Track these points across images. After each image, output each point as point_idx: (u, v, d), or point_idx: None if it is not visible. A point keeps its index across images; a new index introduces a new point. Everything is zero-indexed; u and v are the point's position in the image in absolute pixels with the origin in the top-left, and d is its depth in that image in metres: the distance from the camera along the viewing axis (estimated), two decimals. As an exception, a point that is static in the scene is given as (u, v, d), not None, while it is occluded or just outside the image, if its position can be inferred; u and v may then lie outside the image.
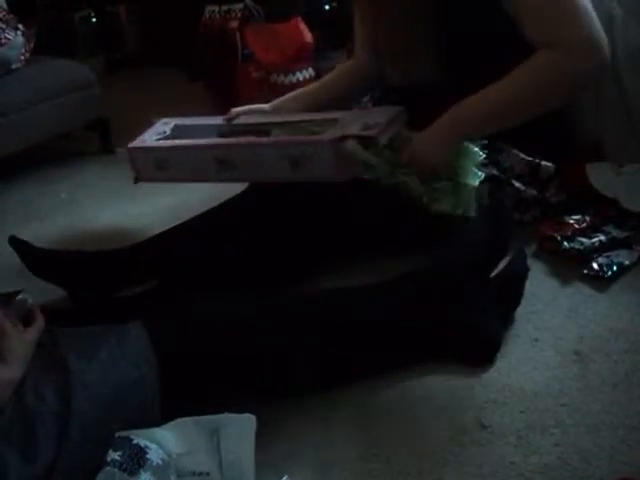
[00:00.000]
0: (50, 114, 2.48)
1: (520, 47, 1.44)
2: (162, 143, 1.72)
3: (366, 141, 1.45)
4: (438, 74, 1.59)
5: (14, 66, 2.48)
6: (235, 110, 1.77)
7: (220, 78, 2.78)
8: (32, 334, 1.12)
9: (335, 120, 1.57)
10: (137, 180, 1.78)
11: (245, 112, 1.77)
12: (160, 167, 1.69)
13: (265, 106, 1.80)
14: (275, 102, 1.82)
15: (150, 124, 1.82)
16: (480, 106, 1.46)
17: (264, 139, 1.62)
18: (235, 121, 1.76)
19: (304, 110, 1.74)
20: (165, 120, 1.84)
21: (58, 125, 2.53)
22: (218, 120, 1.80)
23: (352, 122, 1.52)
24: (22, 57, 2.52)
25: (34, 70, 2.53)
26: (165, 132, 1.77)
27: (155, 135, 1.76)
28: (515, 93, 1.44)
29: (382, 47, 1.69)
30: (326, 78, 1.94)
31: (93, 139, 2.67)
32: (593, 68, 1.43)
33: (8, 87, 2.41)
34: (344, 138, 1.46)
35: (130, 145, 1.76)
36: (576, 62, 1.41)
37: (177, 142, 1.69)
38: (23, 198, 2.35)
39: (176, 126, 1.79)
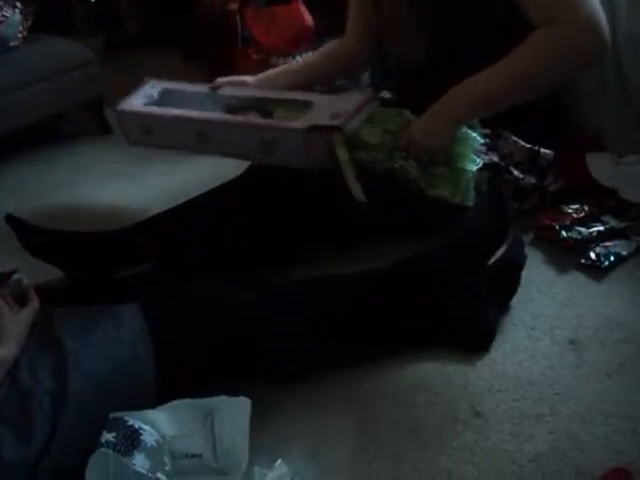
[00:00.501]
0: (48, 93, 2.45)
1: (515, 33, 1.44)
2: (148, 109, 1.77)
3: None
4: (431, 56, 1.59)
5: (11, 44, 2.45)
6: (220, 80, 1.82)
7: (219, 60, 2.76)
8: (27, 314, 1.12)
9: (310, 104, 1.62)
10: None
11: (230, 83, 1.82)
12: (146, 132, 1.75)
13: (248, 79, 1.83)
14: (259, 76, 1.85)
15: (141, 83, 1.87)
16: (479, 87, 1.46)
17: (240, 119, 1.68)
18: (221, 91, 1.80)
19: (286, 88, 1.78)
20: (153, 82, 1.88)
21: (56, 104, 2.50)
22: (204, 88, 1.84)
23: (324, 109, 1.57)
24: (20, 35, 2.48)
25: (32, 48, 2.50)
26: (152, 96, 1.81)
27: (143, 98, 1.81)
28: (515, 72, 1.44)
29: (383, 28, 1.68)
30: (311, 59, 1.94)
31: (90, 119, 2.65)
32: (593, 46, 1.43)
33: (5, 65, 2.37)
34: (313, 128, 1.49)
35: (118, 107, 1.80)
36: (575, 39, 1.41)
37: (162, 111, 1.74)
38: (19, 178, 2.34)
39: (164, 90, 1.83)
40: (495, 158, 1.58)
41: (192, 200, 1.63)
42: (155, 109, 1.77)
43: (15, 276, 1.20)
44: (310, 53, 2.39)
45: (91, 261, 1.56)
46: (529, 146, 1.61)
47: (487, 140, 1.57)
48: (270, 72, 1.89)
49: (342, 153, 1.46)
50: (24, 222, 1.63)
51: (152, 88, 1.84)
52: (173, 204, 1.68)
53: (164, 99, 1.80)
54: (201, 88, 1.85)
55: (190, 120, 1.67)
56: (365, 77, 2.05)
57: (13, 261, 1.55)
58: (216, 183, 1.70)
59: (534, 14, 1.43)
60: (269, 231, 1.50)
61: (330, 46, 1.91)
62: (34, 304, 1.16)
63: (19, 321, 1.09)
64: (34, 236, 1.62)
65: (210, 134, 1.63)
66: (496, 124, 1.58)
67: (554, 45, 1.42)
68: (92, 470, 0.94)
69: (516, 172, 1.59)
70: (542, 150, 1.62)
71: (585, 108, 1.76)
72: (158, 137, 1.74)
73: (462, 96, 1.47)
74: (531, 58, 1.43)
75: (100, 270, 1.55)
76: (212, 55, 2.84)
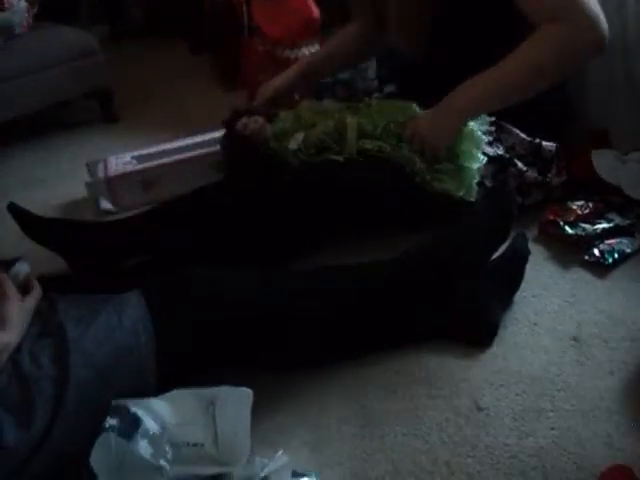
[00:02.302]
0: (52, 81, 2.45)
1: (515, 30, 1.45)
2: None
3: None
4: (432, 50, 1.60)
5: (17, 31, 2.45)
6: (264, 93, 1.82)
7: (224, 51, 2.76)
8: (30, 302, 1.13)
9: None
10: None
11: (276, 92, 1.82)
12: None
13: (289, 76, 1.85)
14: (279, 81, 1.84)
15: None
16: (487, 84, 1.47)
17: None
18: None
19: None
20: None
21: (60, 92, 2.50)
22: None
23: None
24: (25, 23, 2.48)
25: (37, 36, 2.50)
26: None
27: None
28: (522, 67, 1.44)
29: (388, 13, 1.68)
30: (328, 48, 1.93)
31: (94, 108, 2.65)
32: (593, 43, 1.43)
33: (11, 53, 2.37)
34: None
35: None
36: (577, 35, 1.41)
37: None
38: (22, 166, 2.34)
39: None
40: (500, 151, 1.58)
41: (196, 190, 1.62)
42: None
43: (18, 263, 1.20)
44: (316, 44, 2.38)
45: (93, 250, 1.56)
46: (530, 139, 1.61)
47: (493, 129, 1.57)
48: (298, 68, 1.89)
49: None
50: (26, 211, 1.62)
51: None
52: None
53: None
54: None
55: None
56: (372, 70, 2.04)
57: (16, 249, 1.55)
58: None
59: (535, 12, 1.44)
60: (273, 222, 1.50)
61: (343, 33, 1.91)
62: (37, 291, 1.16)
63: (23, 308, 1.10)
64: (36, 225, 1.62)
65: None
66: (500, 117, 1.58)
67: (557, 41, 1.42)
68: (96, 454, 0.94)
69: (520, 164, 1.59)
70: (544, 143, 1.62)
71: (592, 104, 1.76)
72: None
73: (469, 93, 1.47)
74: (536, 55, 1.44)
75: (102, 259, 1.55)
76: (218, 46, 2.83)
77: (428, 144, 1.49)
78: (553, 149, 1.62)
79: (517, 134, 1.61)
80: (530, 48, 1.44)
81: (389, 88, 1.93)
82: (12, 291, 1.11)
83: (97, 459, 0.93)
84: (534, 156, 1.62)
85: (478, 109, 1.51)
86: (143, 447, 0.95)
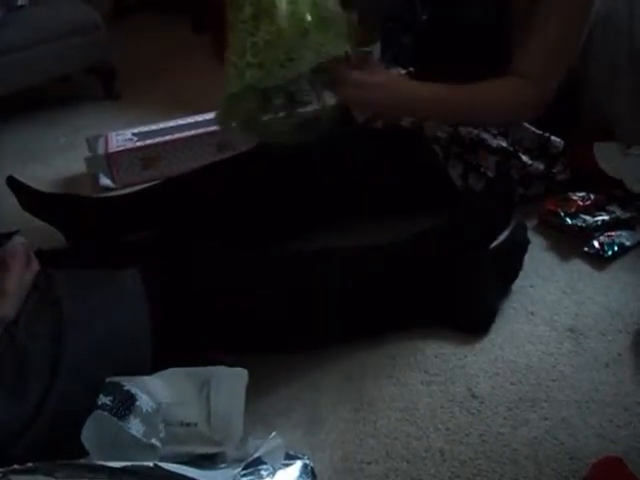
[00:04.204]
0: (53, 55, 2.43)
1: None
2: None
3: None
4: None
5: (19, 3, 2.42)
6: None
7: (226, 30, 2.74)
8: (27, 276, 1.12)
9: None
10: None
11: None
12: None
13: None
14: None
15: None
16: (435, 97, 1.51)
17: None
18: None
19: None
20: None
21: (61, 67, 2.48)
22: None
23: None
24: (27, -5, 2.46)
25: (39, 9, 2.47)
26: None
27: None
28: (470, 102, 1.51)
29: None
30: None
31: (94, 83, 2.63)
32: (534, 113, 1.54)
33: (12, 25, 2.35)
34: None
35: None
36: (530, 103, 1.51)
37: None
38: (20, 140, 2.32)
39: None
40: (504, 143, 1.57)
41: (198, 169, 1.62)
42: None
43: (15, 237, 1.19)
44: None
45: (92, 225, 1.55)
46: (540, 132, 1.60)
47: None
48: None
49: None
50: (25, 185, 1.61)
51: None
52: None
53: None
54: None
55: None
56: (377, 51, 2.02)
57: (14, 223, 1.54)
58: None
59: (519, 60, 1.49)
60: (272, 203, 1.49)
61: None
62: (34, 265, 1.15)
63: (21, 281, 1.09)
64: (35, 199, 1.61)
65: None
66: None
67: (513, 102, 1.51)
68: (88, 431, 0.93)
69: (524, 157, 1.58)
70: (552, 137, 1.61)
71: (597, 97, 1.75)
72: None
73: (418, 101, 1.51)
74: (492, 100, 1.52)
75: (101, 234, 1.54)
76: (219, 25, 2.81)
77: (366, 97, 1.47)
78: (561, 144, 1.62)
79: (525, 127, 1.60)
80: (492, 91, 1.50)
81: (396, 71, 1.91)
82: (14, 264, 1.10)
83: (88, 436, 0.93)
84: (541, 150, 1.61)
85: (412, 110, 1.55)
86: (135, 425, 0.95)
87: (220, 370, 1.09)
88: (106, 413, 0.94)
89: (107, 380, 1.01)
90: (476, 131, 1.55)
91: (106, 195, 1.68)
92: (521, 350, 1.30)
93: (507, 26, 1.54)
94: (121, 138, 2.01)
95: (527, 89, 1.49)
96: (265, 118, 1.45)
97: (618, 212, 1.58)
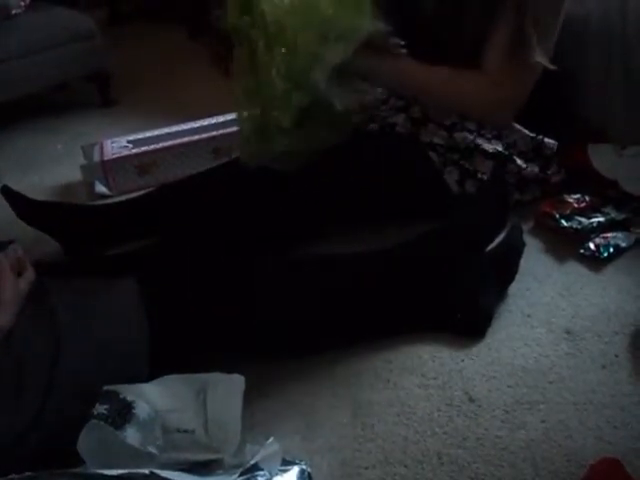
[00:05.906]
0: (49, 63, 2.44)
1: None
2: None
3: None
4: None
5: (14, 12, 2.43)
6: None
7: (224, 37, 2.74)
8: (22, 285, 1.12)
9: None
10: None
11: None
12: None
13: None
14: None
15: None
16: (414, 75, 1.55)
17: None
18: None
19: None
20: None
21: (57, 75, 2.49)
22: None
23: None
24: (22, 3, 2.46)
25: (34, 17, 2.48)
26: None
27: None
28: (440, 88, 1.55)
29: None
30: None
31: (91, 91, 2.64)
32: (500, 118, 1.57)
33: (6, 33, 2.36)
34: None
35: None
36: (496, 107, 1.54)
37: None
38: (17, 148, 2.33)
39: None
40: (499, 147, 1.57)
41: (195, 176, 1.62)
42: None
43: (11, 246, 1.19)
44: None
45: (89, 234, 1.56)
46: (533, 135, 1.60)
47: None
48: None
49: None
50: (19, 194, 1.61)
51: None
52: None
53: None
54: None
55: None
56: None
57: (9, 232, 1.54)
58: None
59: (489, 61, 1.50)
60: (269, 209, 1.49)
61: None
62: (30, 274, 1.15)
63: (18, 290, 1.09)
64: (30, 208, 1.61)
65: None
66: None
67: (481, 98, 1.53)
68: (84, 441, 0.94)
69: (519, 161, 1.58)
70: (546, 140, 1.61)
71: (590, 98, 1.75)
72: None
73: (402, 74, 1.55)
74: (461, 89, 1.54)
75: (98, 243, 1.55)
76: (216, 32, 2.81)
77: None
78: (554, 146, 1.62)
79: (518, 130, 1.60)
80: (465, 81, 1.52)
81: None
82: (8, 273, 1.10)
83: (84, 445, 0.93)
84: (535, 153, 1.61)
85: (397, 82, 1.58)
86: (132, 434, 0.95)
87: (216, 376, 1.09)
88: (102, 422, 0.94)
89: (104, 388, 1.01)
90: (471, 137, 1.55)
91: (101, 202, 1.68)
92: (518, 353, 1.30)
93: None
94: (116, 145, 2.01)
95: (489, 87, 1.51)
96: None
97: (613, 213, 1.58)
